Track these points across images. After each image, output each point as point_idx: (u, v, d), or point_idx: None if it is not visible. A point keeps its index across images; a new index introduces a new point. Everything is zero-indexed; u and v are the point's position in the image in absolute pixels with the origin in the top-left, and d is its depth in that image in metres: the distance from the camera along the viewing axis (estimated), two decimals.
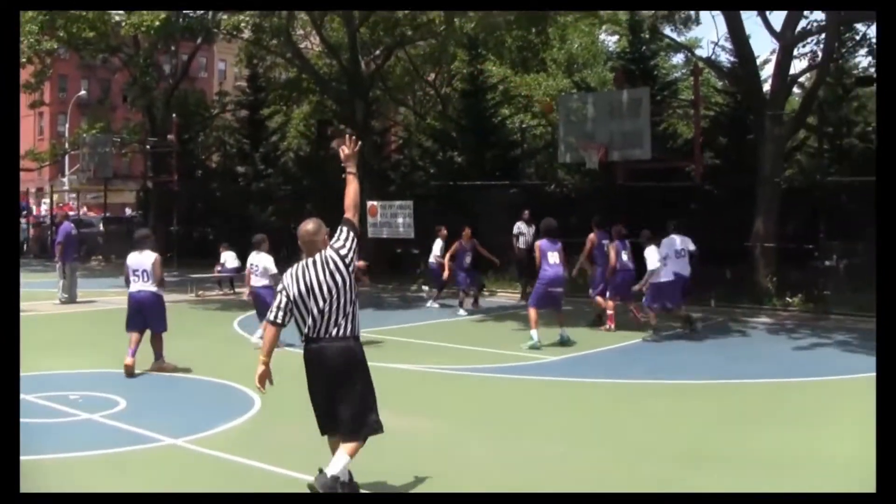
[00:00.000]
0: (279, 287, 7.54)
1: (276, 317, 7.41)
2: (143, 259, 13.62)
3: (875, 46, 25.56)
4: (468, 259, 22.22)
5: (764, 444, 9.59)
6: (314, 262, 7.35)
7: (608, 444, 9.63)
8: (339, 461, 7.30)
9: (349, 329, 7.31)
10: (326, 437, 7.69)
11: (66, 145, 49.62)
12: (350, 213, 7.70)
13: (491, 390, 12.81)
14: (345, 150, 8.20)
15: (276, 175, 36.21)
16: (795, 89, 29.59)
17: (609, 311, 18.68)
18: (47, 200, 49.10)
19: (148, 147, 38.96)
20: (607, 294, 18.90)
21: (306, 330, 7.36)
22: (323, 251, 7.38)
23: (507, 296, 25.28)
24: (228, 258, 25.64)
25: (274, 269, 15.60)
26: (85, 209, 49.95)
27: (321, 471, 7.32)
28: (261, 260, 16.03)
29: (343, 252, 7.35)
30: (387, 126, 41.28)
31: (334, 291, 7.25)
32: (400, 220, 26.42)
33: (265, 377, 7.51)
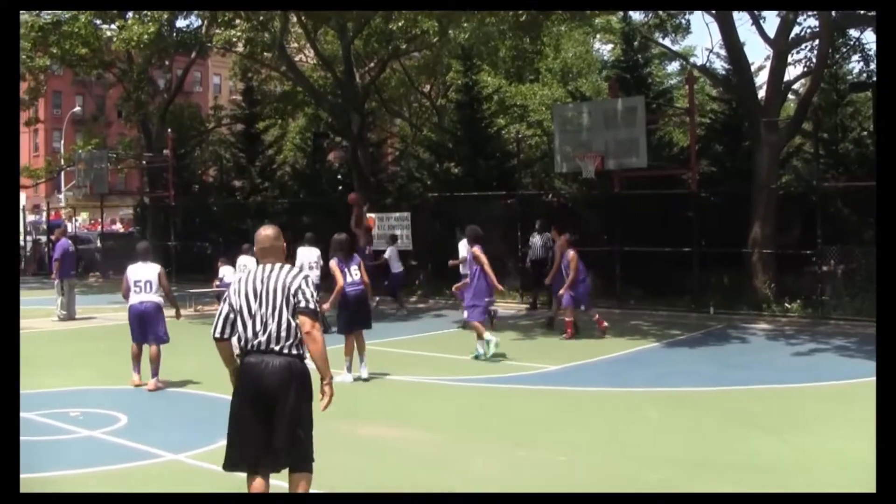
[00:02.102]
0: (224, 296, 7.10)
1: (218, 331, 6.99)
2: (147, 270, 13.72)
3: (869, 52, 25.69)
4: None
5: (766, 450, 9.62)
6: (264, 269, 6.94)
7: (610, 453, 9.66)
8: None
9: (293, 345, 6.78)
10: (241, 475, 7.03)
11: (62, 162, 49.64)
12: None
13: (491, 400, 12.82)
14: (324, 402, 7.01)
15: (273, 188, 36.20)
16: (790, 95, 29.60)
17: (568, 319, 18.74)
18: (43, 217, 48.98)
19: (144, 162, 38.94)
20: (563, 302, 19.00)
21: (244, 342, 6.87)
22: (279, 263, 6.98)
23: (504, 305, 25.26)
24: (227, 272, 25.54)
25: None
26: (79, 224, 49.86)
27: None
28: (250, 262, 16.41)
29: (295, 285, 6.82)
30: (383, 138, 41.33)
31: (279, 301, 6.76)
32: (398, 232, 26.51)
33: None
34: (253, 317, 6.84)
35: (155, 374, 13.54)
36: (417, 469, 9.07)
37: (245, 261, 19.58)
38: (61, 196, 45.43)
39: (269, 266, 6.98)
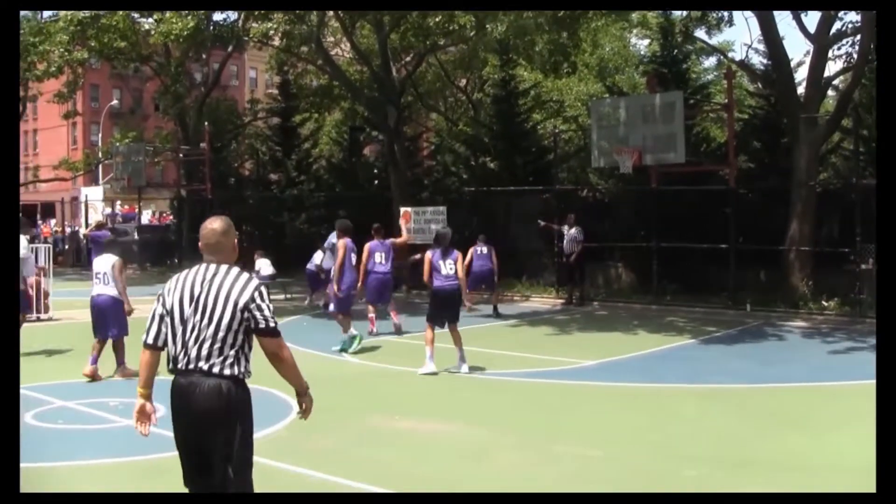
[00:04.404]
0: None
1: (151, 336, 5.93)
2: (103, 262, 13.55)
3: None
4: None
5: (801, 449, 9.64)
6: (206, 270, 5.89)
7: (646, 449, 9.68)
8: None
9: (229, 364, 5.70)
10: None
11: (100, 154, 50.08)
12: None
13: (527, 395, 12.89)
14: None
15: (309, 182, 36.30)
16: (830, 91, 29.43)
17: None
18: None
19: (181, 155, 39.23)
20: None
21: (170, 356, 5.85)
22: (226, 265, 5.93)
23: (541, 301, 25.33)
24: (263, 265, 25.75)
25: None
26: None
27: None
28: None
29: (245, 299, 5.75)
30: (419, 132, 41.36)
31: (220, 313, 5.70)
32: (433, 227, 26.50)
33: (144, 415, 6.06)
34: (184, 324, 5.79)
35: (120, 362, 13.50)
36: (452, 462, 9.15)
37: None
38: (99, 188, 45.75)
39: (212, 267, 5.89)
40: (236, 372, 5.75)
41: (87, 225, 39.05)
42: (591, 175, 29.12)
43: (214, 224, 6.02)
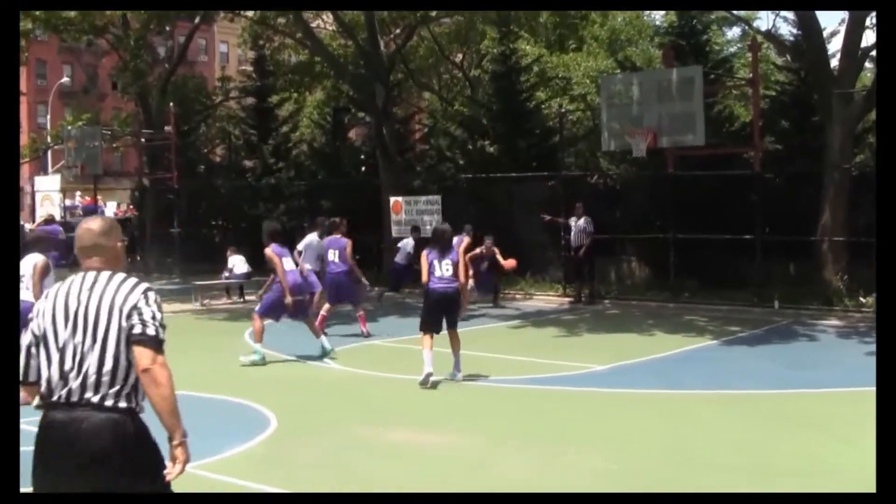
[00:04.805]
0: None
1: (22, 372, 5.22)
2: (25, 263, 12.52)
3: None
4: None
5: (835, 458, 9.73)
6: (84, 280, 5.22)
7: (665, 460, 9.76)
8: None
9: (122, 395, 5.03)
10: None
11: (49, 139, 49.74)
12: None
13: (532, 403, 12.94)
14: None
15: (288, 169, 36.23)
16: (867, 64, 29.44)
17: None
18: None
19: (143, 140, 38.84)
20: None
21: (46, 388, 5.09)
22: (109, 271, 5.28)
23: (546, 299, 25.39)
24: (237, 262, 25.82)
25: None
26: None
27: None
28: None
29: (131, 302, 5.09)
30: (410, 113, 41.45)
31: (104, 328, 5.03)
32: (427, 218, 26.55)
33: None
34: (62, 350, 5.08)
35: None
36: (453, 476, 9.20)
37: (311, 240, 20.05)
38: (56, 178, 45.46)
39: (91, 275, 5.25)
40: (132, 405, 5.09)
41: (33, 219, 38.92)
42: (601, 159, 29.22)
43: (92, 224, 5.39)
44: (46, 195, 41.07)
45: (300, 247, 19.88)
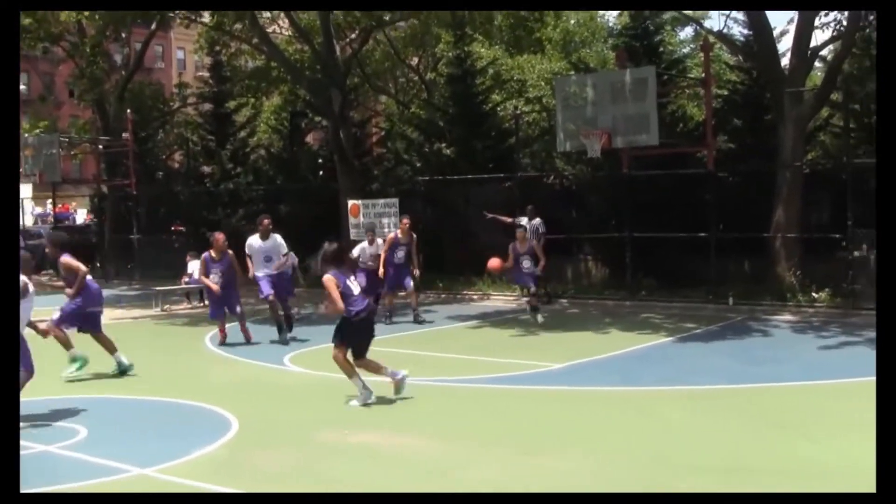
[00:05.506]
0: None
1: None
2: None
3: None
4: (400, 255, 21.49)
5: (796, 452, 9.69)
6: None
7: (623, 458, 9.71)
8: None
9: None
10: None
11: None
12: None
13: (491, 403, 12.88)
14: None
15: (246, 174, 36.09)
16: (817, 63, 29.61)
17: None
18: None
19: (101, 147, 38.82)
20: None
21: None
22: None
23: (504, 299, 25.37)
24: (195, 268, 25.61)
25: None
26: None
27: None
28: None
29: None
30: (367, 117, 41.34)
31: None
32: (385, 220, 26.50)
33: None
34: None
35: None
36: (414, 480, 9.10)
37: (252, 242, 18.91)
38: (27, 186, 45.03)
39: None
40: None
41: None
42: (556, 160, 29.20)
43: None
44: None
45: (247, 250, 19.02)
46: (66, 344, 14.84)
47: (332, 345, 12.50)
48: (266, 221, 18.92)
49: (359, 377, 12.38)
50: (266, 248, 18.53)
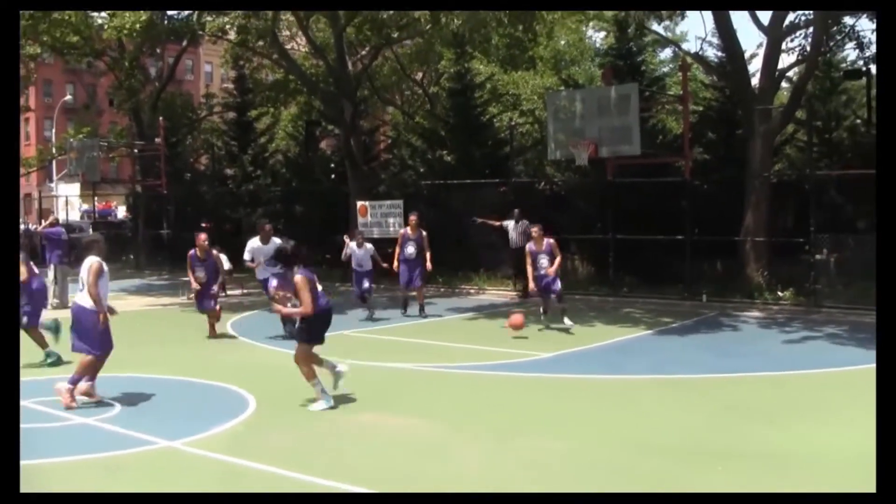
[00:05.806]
0: None
1: None
2: (82, 265, 11.61)
3: (864, 39, 25.62)
4: (410, 250, 20.83)
5: (760, 437, 9.67)
6: None
7: (606, 442, 9.68)
8: None
9: None
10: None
11: (53, 150, 49.60)
12: None
13: (484, 388, 12.84)
14: None
15: (265, 177, 36.16)
16: (784, 83, 29.68)
17: None
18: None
19: (135, 151, 39.01)
20: None
21: None
22: None
23: (497, 293, 25.36)
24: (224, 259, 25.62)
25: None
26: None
27: None
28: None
29: None
30: (375, 126, 41.30)
31: None
32: (391, 220, 26.57)
33: None
34: None
35: (75, 381, 11.48)
36: (409, 460, 9.08)
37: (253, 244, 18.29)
38: (52, 185, 45.23)
39: None
40: None
41: (40, 222, 38.63)
42: (547, 168, 29.16)
43: None
44: (69, 201, 41.00)
45: (246, 254, 18.45)
46: (43, 342, 14.71)
47: (297, 345, 11.48)
48: (268, 227, 18.43)
49: (318, 380, 11.31)
50: (267, 251, 18.03)
